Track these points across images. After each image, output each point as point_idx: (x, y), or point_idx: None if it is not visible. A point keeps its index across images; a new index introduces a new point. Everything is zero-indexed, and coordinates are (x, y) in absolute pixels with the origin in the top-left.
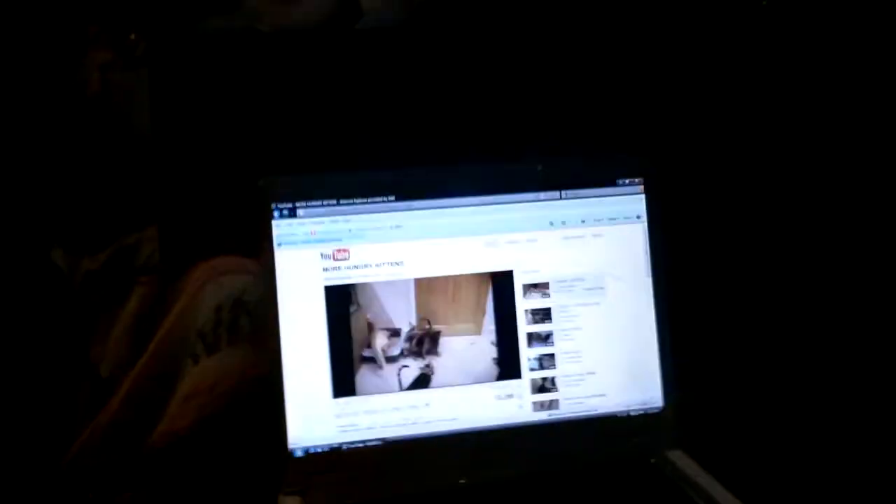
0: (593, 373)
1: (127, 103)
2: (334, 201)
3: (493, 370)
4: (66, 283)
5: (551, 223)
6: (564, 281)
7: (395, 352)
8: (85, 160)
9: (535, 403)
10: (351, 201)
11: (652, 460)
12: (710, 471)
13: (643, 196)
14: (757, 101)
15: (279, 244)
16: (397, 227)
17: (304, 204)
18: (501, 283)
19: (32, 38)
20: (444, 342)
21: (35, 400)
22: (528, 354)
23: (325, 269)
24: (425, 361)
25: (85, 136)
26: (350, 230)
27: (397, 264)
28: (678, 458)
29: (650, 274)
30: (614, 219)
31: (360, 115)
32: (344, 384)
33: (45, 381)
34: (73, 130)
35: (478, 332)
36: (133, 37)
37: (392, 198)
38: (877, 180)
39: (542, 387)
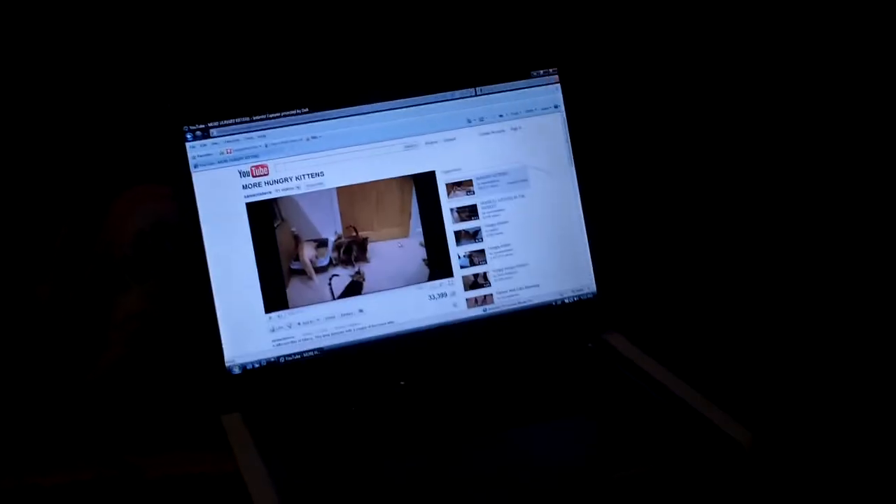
0: (525, 265)
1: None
2: (247, 118)
3: (425, 271)
4: None
5: (469, 120)
6: (487, 177)
7: (324, 262)
8: None
9: (468, 300)
10: (264, 117)
11: (589, 345)
12: (648, 351)
13: (559, 86)
14: None
15: (195, 166)
16: (314, 137)
17: (216, 124)
18: (424, 185)
19: None
20: (373, 248)
21: None
22: (457, 252)
23: (245, 187)
24: (355, 269)
25: None
26: (266, 146)
27: (317, 175)
28: (615, 340)
29: (573, 163)
30: (532, 110)
31: (265, 30)
32: (275, 298)
33: None
34: None
35: (405, 234)
36: None
37: (306, 109)
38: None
39: (475, 283)
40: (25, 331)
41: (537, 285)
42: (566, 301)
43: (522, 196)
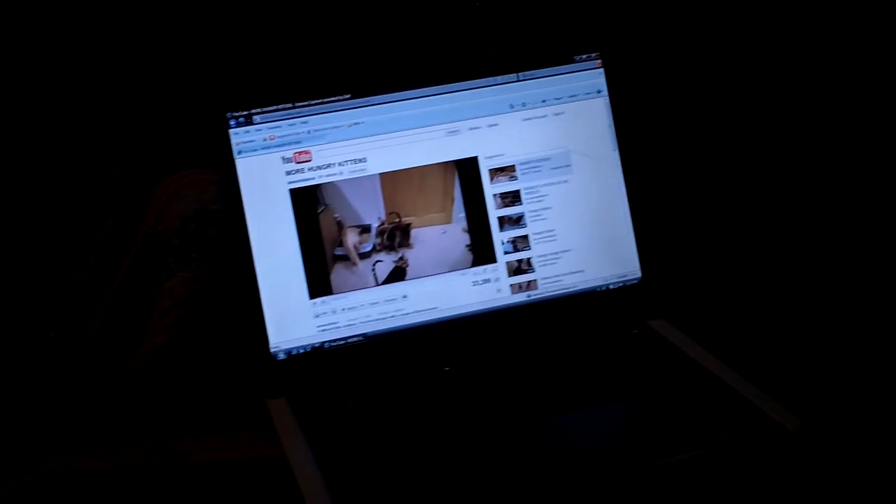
0: (568, 250)
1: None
2: (290, 105)
3: (468, 257)
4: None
5: (511, 106)
6: (530, 162)
7: (368, 248)
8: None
9: (512, 286)
10: (307, 103)
11: (634, 331)
12: (694, 337)
13: (602, 70)
14: None
15: (239, 153)
16: (356, 123)
17: (259, 110)
18: (467, 170)
19: None
20: (416, 234)
21: (19, 321)
22: (501, 238)
23: (288, 173)
24: (399, 254)
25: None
26: (309, 132)
27: (360, 161)
28: (661, 326)
29: (616, 147)
30: (575, 95)
31: (308, 16)
32: (319, 284)
33: (27, 303)
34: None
35: (448, 220)
36: None
37: (348, 95)
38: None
39: (519, 269)
40: (69, 316)
41: (581, 271)
42: (611, 287)
43: (566, 181)
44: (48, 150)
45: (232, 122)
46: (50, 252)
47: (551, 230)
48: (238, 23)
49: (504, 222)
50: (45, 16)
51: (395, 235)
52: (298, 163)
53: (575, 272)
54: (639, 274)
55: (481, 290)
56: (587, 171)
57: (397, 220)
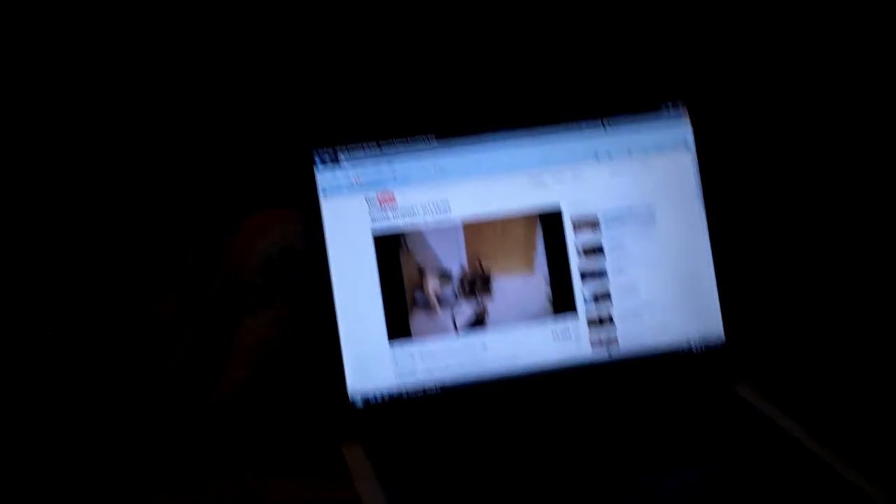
0: (651, 306)
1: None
2: (376, 146)
3: (548, 308)
4: (122, 241)
5: (596, 155)
6: (614, 214)
7: (448, 294)
8: (125, 119)
9: (593, 341)
10: (392, 144)
11: (716, 394)
12: (778, 402)
13: (689, 122)
14: (802, 22)
15: (324, 193)
16: (440, 167)
17: (345, 151)
18: (550, 219)
19: None
20: (497, 282)
21: (99, 355)
22: (582, 290)
23: (372, 215)
24: (479, 302)
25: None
26: (393, 174)
27: (444, 206)
28: (744, 390)
29: (702, 202)
30: (660, 146)
31: (394, 60)
32: (399, 328)
33: (110, 337)
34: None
35: (530, 270)
36: None
37: (433, 137)
38: None
39: (599, 323)
40: (150, 351)
41: (663, 328)
42: (693, 346)
43: (650, 235)
44: (133, 184)
45: (318, 160)
46: (132, 286)
47: (634, 285)
48: (327, 59)
49: (586, 274)
50: (134, 49)
51: (476, 283)
52: (382, 205)
53: (657, 329)
54: (722, 334)
55: (561, 344)
56: (672, 226)
57: (478, 267)
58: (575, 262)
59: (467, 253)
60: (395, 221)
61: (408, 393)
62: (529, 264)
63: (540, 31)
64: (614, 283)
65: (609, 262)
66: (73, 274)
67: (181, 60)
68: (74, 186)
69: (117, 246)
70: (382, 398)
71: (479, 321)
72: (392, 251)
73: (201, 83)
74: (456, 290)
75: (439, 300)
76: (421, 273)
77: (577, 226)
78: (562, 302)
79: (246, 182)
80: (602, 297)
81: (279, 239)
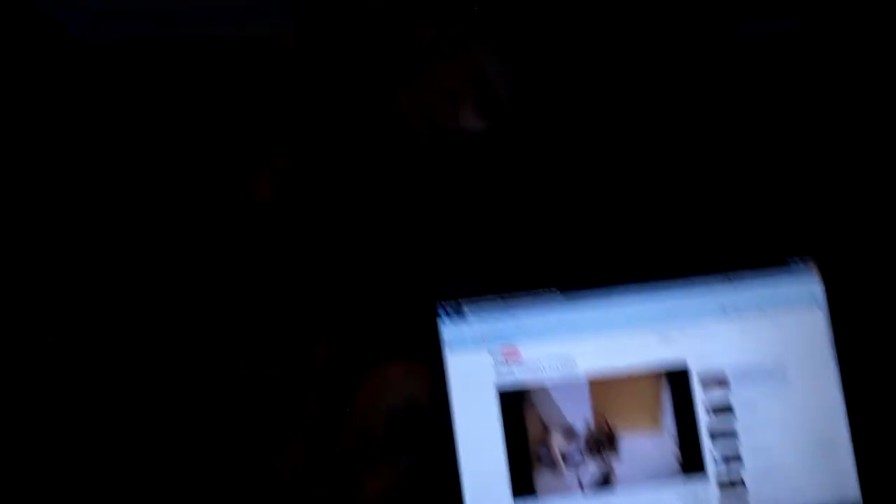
0: (783, 468)
1: (297, 213)
2: (501, 300)
3: (677, 469)
4: (247, 391)
5: (724, 310)
6: (743, 371)
7: (573, 452)
8: (254, 271)
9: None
10: (517, 298)
11: None
12: None
13: (819, 277)
14: None
15: (448, 347)
16: (565, 321)
17: (470, 305)
18: (677, 376)
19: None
20: (623, 441)
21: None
22: (711, 451)
23: (496, 369)
24: (605, 461)
25: (253, 246)
26: (518, 327)
27: (569, 361)
28: None
29: (836, 360)
30: (790, 302)
31: (519, 214)
32: (523, 485)
33: (228, 488)
34: (243, 239)
35: (656, 428)
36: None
37: (558, 291)
38: None
39: (730, 485)
40: (270, 502)
41: (797, 492)
42: None
43: (781, 393)
44: (263, 333)
45: (442, 314)
46: (256, 433)
47: (765, 445)
48: (450, 213)
49: (715, 434)
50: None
51: (602, 441)
52: (507, 359)
53: (790, 492)
54: (860, 498)
55: None
56: (804, 385)
57: (604, 424)
58: (703, 421)
59: (593, 409)
60: (519, 376)
61: None
62: (656, 422)
63: (665, 186)
64: (745, 444)
65: (739, 422)
66: (202, 423)
67: (313, 219)
68: (205, 332)
69: (243, 393)
70: None
71: (605, 481)
72: (516, 406)
73: (330, 237)
74: (581, 448)
75: (564, 458)
76: (545, 429)
77: (706, 383)
78: (691, 462)
79: (371, 334)
80: (732, 458)
81: (404, 393)
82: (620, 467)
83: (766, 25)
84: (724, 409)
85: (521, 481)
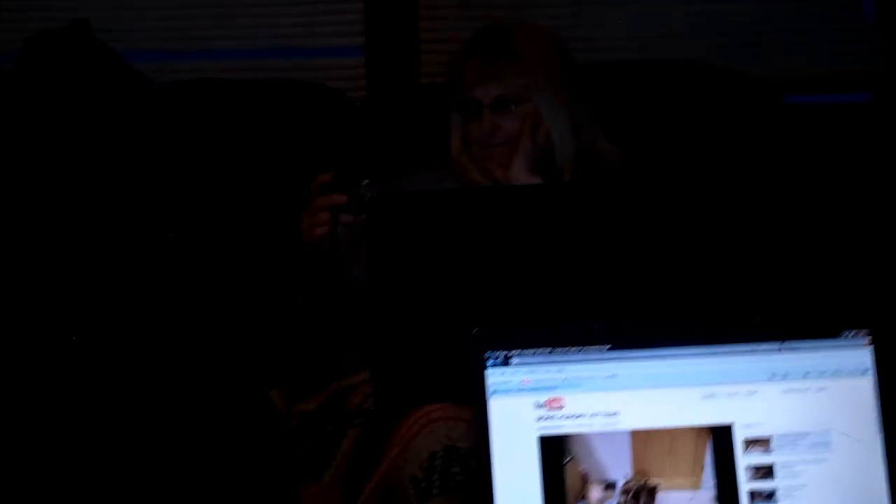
0: None
1: (350, 248)
2: (548, 350)
3: None
4: (282, 424)
5: (772, 375)
6: (787, 436)
7: None
8: (303, 303)
9: None
10: (565, 350)
11: None
12: None
13: (870, 349)
14: None
15: (493, 392)
16: (612, 376)
17: (517, 353)
18: (721, 437)
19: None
20: (661, 497)
21: None
22: None
23: (539, 419)
24: None
25: (304, 280)
26: (564, 379)
27: (612, 414)
28: None
29: (881, 430)
30: (839, 371)
31: (572, 266)
32: None
33: None
34: (294, 274)
35: (696, 487)
36: (365, 182)
37: (607, 347)
38: None
39: None
40: None
41: None
42: None
43: (824, 460)
44: (301, 370)
45: (490, 362)
46: (287, 467)
47: None
48: (505, 268)
49: (755, 496)
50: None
51: (641, 496)
52: (550, 409)
53: None
54: None
55: None
56: (848, 453)
57: (644, 480)
58: (744, 483)
59: (633, 464)
60: (561, 426)
61: None
62: (697, 481)
63: (726, 251)
64: None
65: (779, 485)
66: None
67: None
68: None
69: (275, 429)
70: None
71: None
72: (556, 455)
73: (383, 276)
74: (619, 502)
75: None
76: (584, 481)
77: (749, 445)
78: None
79: (416, 374)
80: None
81: (444, 436)
82: None
83: (840, 97)
84: (765, 472)
85: None
